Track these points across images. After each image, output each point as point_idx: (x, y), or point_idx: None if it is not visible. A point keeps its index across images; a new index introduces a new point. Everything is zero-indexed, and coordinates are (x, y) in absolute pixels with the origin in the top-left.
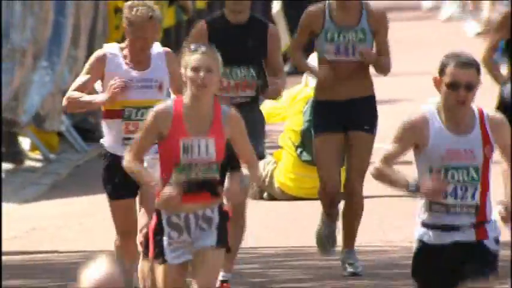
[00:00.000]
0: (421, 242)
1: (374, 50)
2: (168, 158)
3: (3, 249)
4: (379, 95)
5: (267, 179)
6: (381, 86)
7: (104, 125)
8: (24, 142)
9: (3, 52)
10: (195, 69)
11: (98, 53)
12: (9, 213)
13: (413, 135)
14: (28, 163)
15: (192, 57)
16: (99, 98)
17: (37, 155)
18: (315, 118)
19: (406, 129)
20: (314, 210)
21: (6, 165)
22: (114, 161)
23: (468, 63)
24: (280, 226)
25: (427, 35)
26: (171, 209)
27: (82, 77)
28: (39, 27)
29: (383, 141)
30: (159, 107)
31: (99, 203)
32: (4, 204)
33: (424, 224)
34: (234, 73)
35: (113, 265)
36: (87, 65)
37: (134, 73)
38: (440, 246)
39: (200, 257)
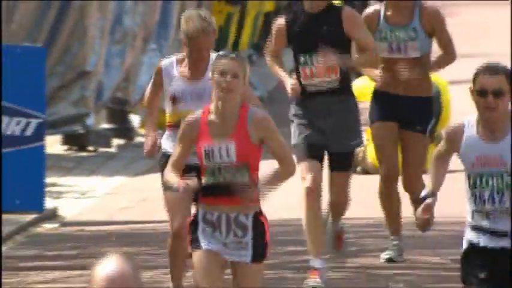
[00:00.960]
0: (469, 243)
1: (426, 47)
2: (200, 164)
3: (115, 219)
4: (461, 75)
5: (360, 154)
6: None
7: (167, 133)
8: (135, 119)
9: (116, 36)
10: (222, 74)
11: (157, 67)
12: (121, 185)
13: (450, 142)
14: (138, 139)
15: (219, 62)
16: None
17: None
18: (371, 107)
19: (446, 136)
20: None
21: (118, 141)
22: None
23: (495, 70)
24: (373, 198)
25: None
26: (207, 202)
27: (149, 89)
28: (148, 12)
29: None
30: (190, 116)
31: None
32: (116, 178)
33: (472, 228)
34: (315, 60)
35: (126, 262)
36: (152, 78)
37: (188, 85)
38: (487, 250)
39: (238, 272)
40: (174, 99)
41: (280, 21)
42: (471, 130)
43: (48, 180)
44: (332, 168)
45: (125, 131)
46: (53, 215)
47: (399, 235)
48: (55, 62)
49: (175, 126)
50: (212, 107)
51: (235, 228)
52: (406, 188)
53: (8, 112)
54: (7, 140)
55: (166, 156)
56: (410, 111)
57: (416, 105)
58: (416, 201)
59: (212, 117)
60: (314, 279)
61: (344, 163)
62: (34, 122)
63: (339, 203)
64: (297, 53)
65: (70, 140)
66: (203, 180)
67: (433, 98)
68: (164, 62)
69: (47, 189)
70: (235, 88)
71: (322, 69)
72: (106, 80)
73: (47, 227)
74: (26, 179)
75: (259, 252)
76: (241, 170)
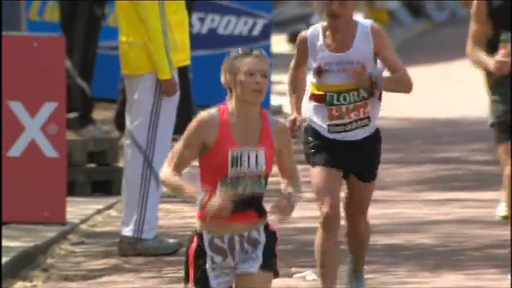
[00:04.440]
0: None
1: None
2: (213, 171)
3: None
4: None
5: None
6: None
7: (311, 106)
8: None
9: None
10: (250, 73)
11: (300, 35)
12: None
13: None
14: None
15: (245, 61)
16: None
17: None
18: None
19: None
20: None
21: None
22: (317, 134)
23: None
24: None
25: None
26: (219, 221)
27: (293, 59)
28: None
29: None
30: (202, 115)
31: (425, 75)
32: None
33: None
34: None
35: None
36: (295, 48)
37: (334, 55)
38: None
39: (244, 283)
40: (320, 72)
41: None
42: None
43: (274, 78)
44: None
45: None
46: (278, 111)
47: None
48: None
49: (320, 100)
50: (231, 107)
51: (248, 246)
52: None
53: (236, 12)
54: (235, 40)
55: (312, 129)
56: None
57: None
58: None
59: (234, 120)
60: None
61: None
62: (261, 22)
63: None
64: (497, 29)
65: (295, 38)
66: (217, 192)
67: None
68: (310, 30)
69: (273, 87)
70: (264, 89)
71: None
72: None
73: None
74: None
75: (269, 262)
76: (261, 182)
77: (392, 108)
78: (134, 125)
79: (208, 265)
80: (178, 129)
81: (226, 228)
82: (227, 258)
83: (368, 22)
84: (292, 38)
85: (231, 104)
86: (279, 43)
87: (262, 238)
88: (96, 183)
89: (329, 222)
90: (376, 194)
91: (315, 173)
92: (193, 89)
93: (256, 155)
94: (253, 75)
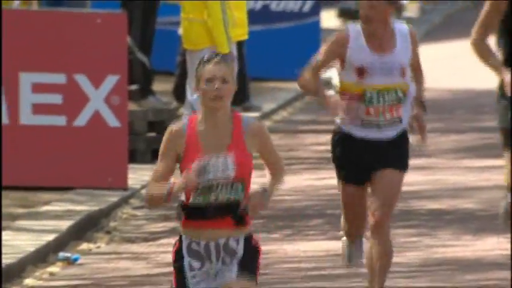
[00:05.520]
0: None
1: None
2: None
3: None
4: None
5: None
6: None
7: (344, 105)
8: None
9: None
10: (209, 80)
11: (340, 34)
12: None
13: None
14: (404, 14)
15: (205, 68)
16: None
17: (414, 5)
18: None
19: None
20: None
21: None
22: (346, 140)
23: None
24: None
25: None
26: (195, 226)
27: (319, 56)
28: None
29: None
30: (172, 126)
31: (467, 47)
32: None
33: None
34: None
35: None
36: (326, 45)
37: (376, 56)
38: None
39: None
40: (362, 72)
41: None
42: None
43: None
44: None
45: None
46: (327, 83)
47: None
48: None
49: (357, 98)
50: (200, 117)
51: (225, 255)
52: None
53: None
54: (286, 16)
55: (343, 135)
56: None
57: None
58: None
59: (202, 127)
60: None
61: None
62: None
63: None
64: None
65: (344, 14)
66: (190, 200)
67: None
68: (350, 30)
69: None
70: (225, 94)
71: None
72: None
73: None
74: (304, 52)
75: (247, 269)
76: (237, 188)
77: (435, 79)
78: (195, 97)
79: (187, 271)
80: (234, 100)
81: (201, 234)
82: (205, 264)
83: (405, 26)
84: (341, 14)
85: (200, 111)
86: (329, 19)
87: (240, 250)
88: (155, 151)
89: (350, 235)
90: (421, 161)
91: (342, 189)
92: (247, 62)
93: (224, 161)
94: (212, 82)
